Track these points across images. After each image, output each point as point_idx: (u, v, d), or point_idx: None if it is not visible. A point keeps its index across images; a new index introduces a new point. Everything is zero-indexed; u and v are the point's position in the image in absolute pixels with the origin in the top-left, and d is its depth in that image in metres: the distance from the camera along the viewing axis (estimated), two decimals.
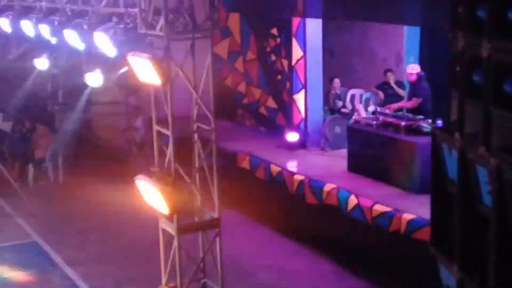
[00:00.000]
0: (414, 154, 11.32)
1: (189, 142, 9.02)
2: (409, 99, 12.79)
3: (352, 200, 11.31)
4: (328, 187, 11.89)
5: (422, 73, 12.57)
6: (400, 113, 12.34)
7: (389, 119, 12.16)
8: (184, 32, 8.57)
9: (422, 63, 13.08)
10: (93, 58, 11.92)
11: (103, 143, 17.61)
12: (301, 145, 14.32)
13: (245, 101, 16.49)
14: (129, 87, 15.88)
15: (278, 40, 15.21)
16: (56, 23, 11.55)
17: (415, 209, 10.31)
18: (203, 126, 8.95)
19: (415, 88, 12.66)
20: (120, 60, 10.05)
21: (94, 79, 13.10)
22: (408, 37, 14.26)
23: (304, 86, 14.43)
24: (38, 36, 12.22)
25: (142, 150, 16.35)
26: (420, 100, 12.49)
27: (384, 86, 14.37)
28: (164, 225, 9.08)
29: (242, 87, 16.54)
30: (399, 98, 13.67)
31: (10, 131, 17.10)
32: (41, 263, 12.02)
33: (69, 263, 11.85)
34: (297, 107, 14.61)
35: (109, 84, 14.03)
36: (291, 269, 11.48)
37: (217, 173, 9.04)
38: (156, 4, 8.50)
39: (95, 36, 9.98)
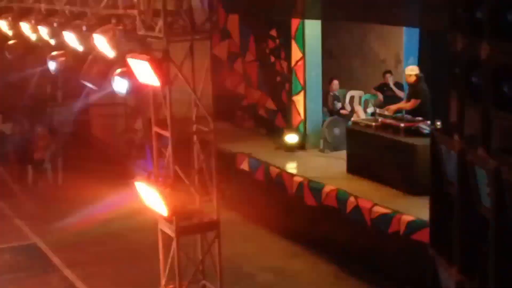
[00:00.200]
0: (413, 155, 11.31)
1: (188, 144, 9.02)
2: (408, 100, 12.79)
3: (352, 202, 11.30)
4: (327, 188, 11.89)
5: (421, 75, 12.57)
6: (399, 114, 12.33)
7: (388, 121, 12.16)
8: (183, 33, 8.57)
9: (421, 65, 13.09)
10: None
11: (102, 145, 17.60)
12: (301, 146, 14.33)
13: (244, 102, 16.48)
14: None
15: (277, 41, 15.20)
16: (55, 24, 11.54)
17: (415, 211, 10.31)
18: (202, 127, 8.95)
19: (414, 90, 12.67)
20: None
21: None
22: (407, 38, 14.28)
23: (303, 88, 14.43)
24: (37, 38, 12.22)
25: (141, 151, 16.33)
26: (419, 101, 12.49)
27: (383, 87, 14.39)
28: (163, 227, 9.08)
29: (241, 89, 16.53)
30: (398, 99, 13.69)
31: (10, 132, 17.09)
32: (40, 264, 12.01)
33: (68, 265, 11.85)
34: (296, 108, 14.61)
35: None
36: (291, 271, 11.48)
37: (216, 174, 9.04)
38: (155, 5, 8.50)
39: (94, 37, 9.98)
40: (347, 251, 11.37)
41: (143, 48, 8.86)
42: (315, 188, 12.11)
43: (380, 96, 14.28)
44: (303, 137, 14.39)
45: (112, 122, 17.96)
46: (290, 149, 14.26)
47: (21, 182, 16.03)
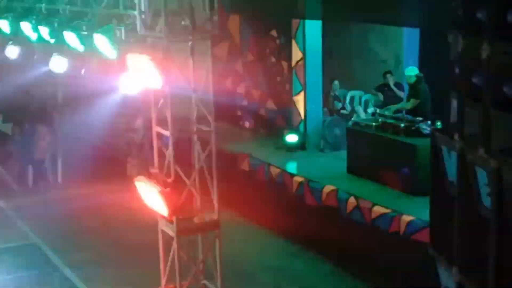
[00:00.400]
0: (413, 155, 11.32)
1: (188, 144, 9.02)
2: (408, 100, 12.80)
3: (352, 202, 11.31)
4: (327, 188, 11.89)
5: (421, 75, 12.58)
6: (400, 114, 12.34)
7: (389, 121, 12.17)
8: (184, 33, 8.58)
9: (421, 65, 13.10)
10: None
11: (103, 144, 17.59)
12: (301, 146, 14.33)
13: (245, 102, 16.48)
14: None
15: (278, 41, 15.21)
16: (56, 24, 11.55)
17: (415, 211, 10.32)
18: (203, 127, 8.95)
19: (414, 90, 12.68)
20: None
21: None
22: (408, 39, 14.29)
23: (304, 88, 14.43)
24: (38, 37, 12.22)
25: (141, 151, 16.33)
26: (419, 101, 12.50)
27: (383, 87, 14.38)
28: (163, 226, 9.08)
29: (241, 89, 16.54)
30: (399, 99, 13.69)
31: (10, 132, 17.08)
32: (41, 264, 12.01)
33: (69, 265, 11.85)
34: (296, 108, 14.61)
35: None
36: (291, 271, 11.48)
37: (216, 174, 9.04)
38: (155, 5, 8.50)
39: (95, 37, 9.99)
40: (347, 250, 11.37)
41: (144, 48, 8.87)
42: (315, 188, 12.11)
43: (381, 96, 14.28)
44: (303, 137, 14.40)
45: (112, 122, 17.93)
46: (290, 149, 14.26)
47: (21, 182, 16.03)
